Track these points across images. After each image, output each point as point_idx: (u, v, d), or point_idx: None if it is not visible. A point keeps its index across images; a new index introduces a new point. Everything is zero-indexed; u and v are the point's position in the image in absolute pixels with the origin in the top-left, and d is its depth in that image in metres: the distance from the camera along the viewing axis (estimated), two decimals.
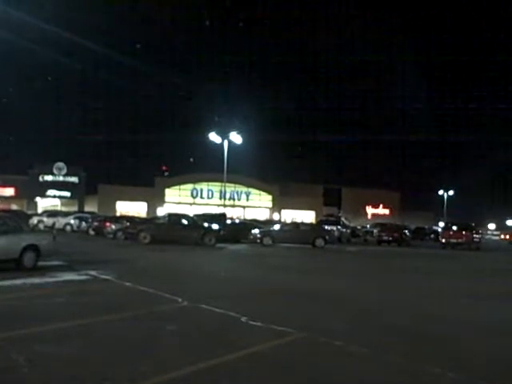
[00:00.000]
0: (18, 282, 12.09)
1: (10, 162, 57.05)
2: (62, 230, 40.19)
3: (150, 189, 66.70)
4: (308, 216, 70.02)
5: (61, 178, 64.30)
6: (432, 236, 55.41)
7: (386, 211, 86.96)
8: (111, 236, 33.18)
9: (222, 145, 46.19)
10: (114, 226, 34.27)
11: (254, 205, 72.60)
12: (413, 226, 55.68)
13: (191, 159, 76.29)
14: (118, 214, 54.88)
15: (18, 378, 5.43)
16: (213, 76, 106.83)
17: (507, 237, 71.11)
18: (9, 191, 62.31)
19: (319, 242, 32.00)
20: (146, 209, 64.44)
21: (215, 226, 30.91)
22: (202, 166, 67.94)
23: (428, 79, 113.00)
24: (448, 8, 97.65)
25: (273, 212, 71.98)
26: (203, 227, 30.01)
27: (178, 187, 69.36)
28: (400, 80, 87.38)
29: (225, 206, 51.36)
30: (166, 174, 74.25)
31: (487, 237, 74.91)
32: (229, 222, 38.87)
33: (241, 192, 71.51)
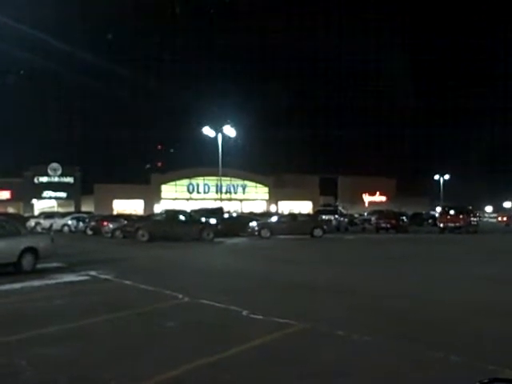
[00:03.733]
0: (18, 285, 12.08)
1: (4, 165, 56.79)
2: (60, 231, 40.12)
3: (146, 186, 66.62)
4: (305, 206, 69.99)
5: (56, 179, 64.08)
6: (430, 221, 55.41)
7: (383, 198, 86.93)
8: (109, 235, 33.14)
9: (216, 138, 46.13)
10: (111, 225, 34.24)
11: (251, 197, 72.56)
12: (410, 212, 55.68)
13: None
14: (114, 212, 54.82)
15: (21, 381, 5.43)
16: (204, 69, 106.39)
17: (504, 219, 71.30)
18: (5, 194, 62.15)
19: (317, 232, 32.02)
20: (142, 206, 64.35)
21: (213, 221, 30.93)
22: (197, 160, 67.80)
23: (422, 63, 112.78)
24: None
25: (270, 204, 71.97)
26: (201, 222, 30.01)
27: (174, 183, 69.27)
28: (394, 67, 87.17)
29: (221, 199, 51.36)
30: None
31: (484, 220, 75.05)
32: (226, 215, 38.88)
33: (237, 185, 71.44)
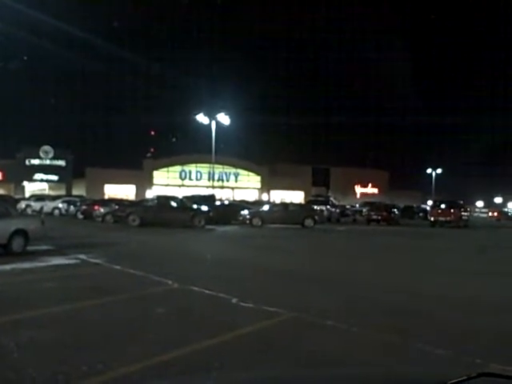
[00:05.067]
0: (8, 267, 12.03)
1: None
2: (51, 214, 39.91)
3: (139, 171, 66.38)
4: (297, 196, 70.03)
5: (48, 162, 63.73)
6: (421, 214, 55.66)
7: (375, 190, 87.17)
8: (100, 219, 33.00)
9: (209, 126, 46.03)
10: (102, 210, 34.08)
11: (243, 186, 72.51)
12: (402, 205, 55.85)
13: (173, 139, 75.89)
14: (106, 197, 54.60)
15: (8, 363, 5.41)
16: (199, 56, 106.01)
17: (495, 214, 71.82)
18: None
19: (308, 222, 32.08)
20: (134, 191, 64.18)
21: (204, 208, 30.87)
22: (191, 147, 67.67)
23: (416, 59, 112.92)
24: None
25: (262, 193, 71.98)
26: (192, 209, 29.96)
27: (166, 169, 69.09)
28: (387, 60, 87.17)
29: (214, 187, 51.31)
30: (149, 155, 73.50)
31: (475, 214, 75.46)
32: (218, 203, 38.83)
33: (229, 173, 71.37)
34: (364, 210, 46.67)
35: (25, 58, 53.28)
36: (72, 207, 40.79)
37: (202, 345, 6.11)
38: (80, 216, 37.33)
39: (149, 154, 73.54)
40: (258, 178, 74.30)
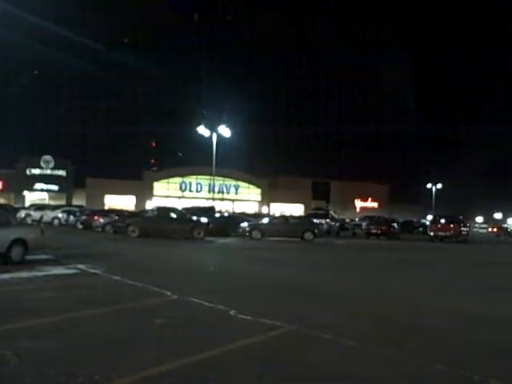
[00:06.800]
0: (6, 276, 12.00)
1: None
2: (50, 223, 39.97)
3: (139, 182, 66.52)
4: (297, 209, 70.09)
5: (48, 172, 63.87)
6: (420, 229, 55.64)
7: (375, 204, 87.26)
8: (100, 230, 33.05)
9: (210, 138, 46.14)
10: (102, 220, 34.14)
11: (243, 198, 72.60)
12: (401, 219, 55.85)
13: (179, 154, 75.97)
14: (106, 207, 54.66)
15: (6, 372, 5.39)
16: (201, 69, 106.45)
17: (494, 230, 71.87)
18: None
19: (308, 235, 32.04)
20: (134, 202, 64.26)
21: (204, 220, 30.89)
22: (191, 159, 67.88)
23: (416, 71, 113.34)
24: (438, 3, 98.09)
25: (262, 205, 72.02)
26: (192, 221, 29.97)
27: (166, 181, 69.23)
28: (388, 73, 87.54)
29: (214, 199, 51.32)
30: (154, 168, 73.64)
31: (475, 230, 75.46)
32: (217, 215, 38.85)
33: (230, 185, 71.50)
34: (363, 223, 46.67)
35: (35, 72, 53.63)
36: (72, 217, 40.84)
37: (199, 357, 6.08)
38: (80, 226, 37.37)
39: (154, 168, 73.63)
40: (258, 191, 74.40)
